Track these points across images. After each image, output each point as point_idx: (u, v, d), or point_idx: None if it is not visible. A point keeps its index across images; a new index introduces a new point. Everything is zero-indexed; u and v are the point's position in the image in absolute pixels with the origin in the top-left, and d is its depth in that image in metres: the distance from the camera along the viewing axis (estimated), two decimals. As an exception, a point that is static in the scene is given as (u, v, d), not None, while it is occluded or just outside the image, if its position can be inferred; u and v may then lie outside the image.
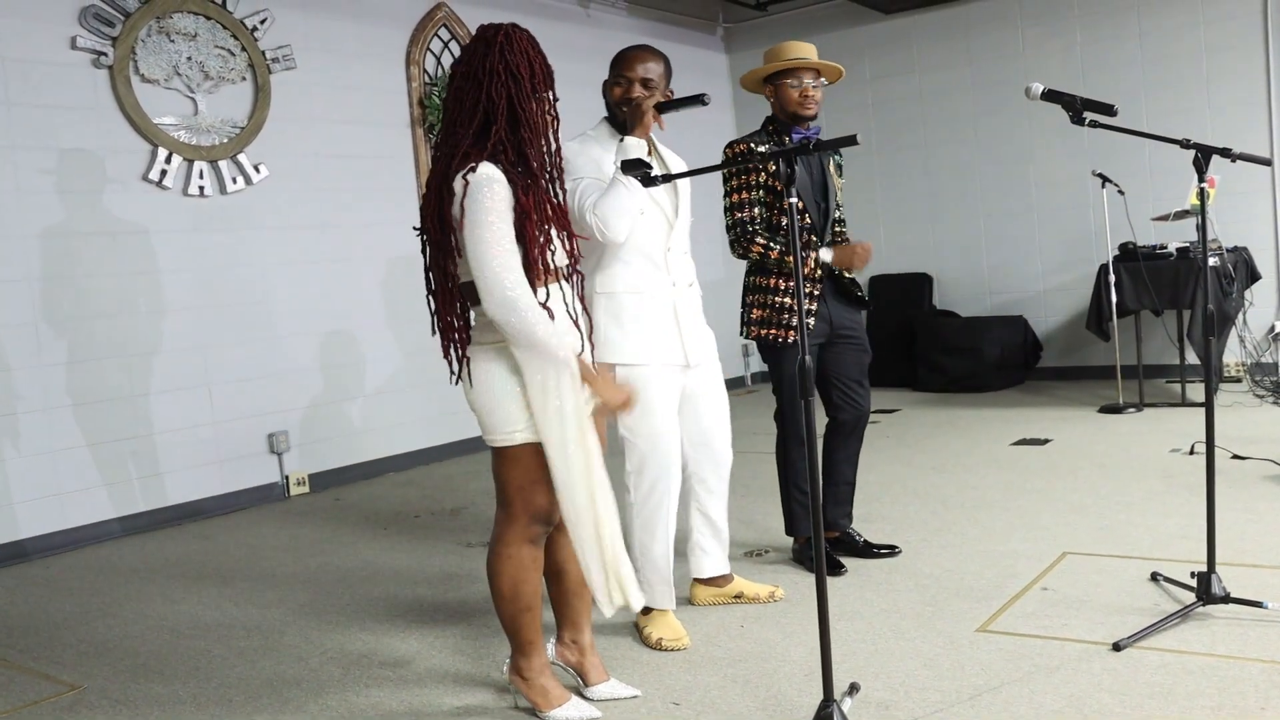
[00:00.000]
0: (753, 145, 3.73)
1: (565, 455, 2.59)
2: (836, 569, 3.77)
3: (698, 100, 3.08)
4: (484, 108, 2.58)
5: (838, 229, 3.97)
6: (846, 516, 4.02)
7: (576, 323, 2.74)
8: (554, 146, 2.68)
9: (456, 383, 2.74)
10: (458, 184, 2.54)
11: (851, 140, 2.46)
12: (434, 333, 2.74)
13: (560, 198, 2.71)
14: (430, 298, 2.73)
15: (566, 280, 2.72)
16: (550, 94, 2.66)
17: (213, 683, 3.24)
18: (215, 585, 4.32)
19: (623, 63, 3.25)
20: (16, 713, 3.12)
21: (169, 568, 4.66)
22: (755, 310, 3.81)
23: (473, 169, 2.54)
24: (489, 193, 2.51)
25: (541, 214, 2.58)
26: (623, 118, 3.19)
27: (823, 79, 3.77)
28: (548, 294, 2.62)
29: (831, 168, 3.88)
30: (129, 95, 5.36)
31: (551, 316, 2.58)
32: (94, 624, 3.93)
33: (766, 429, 6.76)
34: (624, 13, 8.22)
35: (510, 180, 2.55)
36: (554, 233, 2.64)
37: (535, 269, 2.57)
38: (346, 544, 4.83)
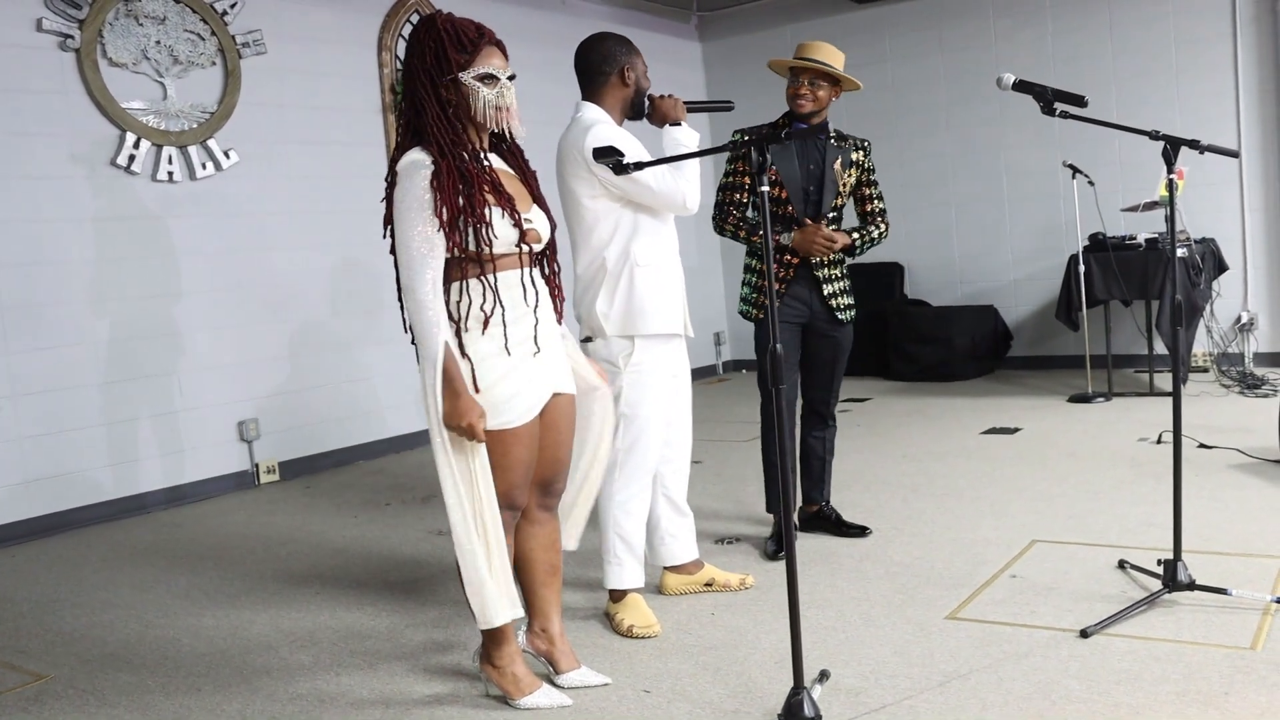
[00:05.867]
0: (743, 135, 3.82)
1: (435, 451, 2.63)
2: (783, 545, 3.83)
3: (725, 106, 3.50)
4: (405, 99, 2.66)
5: (871, 218, 4.05)
6: (819, 492, 4.14)
7: (553, 299, 2.77)
8: (470, 126, 2.67)
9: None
10: (392, 176, 2.62)
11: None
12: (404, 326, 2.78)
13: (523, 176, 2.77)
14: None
15: (539, 262, 2.73)
16: (461, 73, 2.59)
17: (181, 672, 3.22)
18: (184, 574, 4.29)
19: (636, 51, 3.30)
20: (-19, 703, 3.09)
21: (138, 556, 4.62)
22: (746, 288, 4.00)
23: (401, 157, 2.61)
24: (409, 180, 2.56)
25: (469, 198, 2.56)
26: (636, 101, 3.31)
27: (823, 83, 3.79)
28: (494, 280, 2.63)
29: (839, 165, 3.90)
30: (96, 79, 5.29)
31: (483, 306, 2.61)
32: (61, 613, 3.89)
33: (739, 417, 6.79)
34: (599, 0, 8.19)
35: (436, 163, 2.56)
36: (496, 213, 2.61)
37: (465, 254, 2.59)
38: (317, 532, 4.81)
